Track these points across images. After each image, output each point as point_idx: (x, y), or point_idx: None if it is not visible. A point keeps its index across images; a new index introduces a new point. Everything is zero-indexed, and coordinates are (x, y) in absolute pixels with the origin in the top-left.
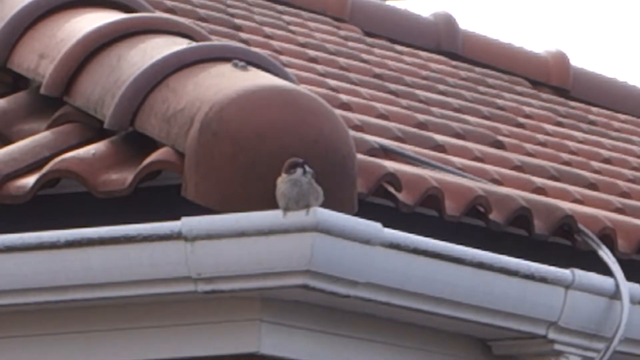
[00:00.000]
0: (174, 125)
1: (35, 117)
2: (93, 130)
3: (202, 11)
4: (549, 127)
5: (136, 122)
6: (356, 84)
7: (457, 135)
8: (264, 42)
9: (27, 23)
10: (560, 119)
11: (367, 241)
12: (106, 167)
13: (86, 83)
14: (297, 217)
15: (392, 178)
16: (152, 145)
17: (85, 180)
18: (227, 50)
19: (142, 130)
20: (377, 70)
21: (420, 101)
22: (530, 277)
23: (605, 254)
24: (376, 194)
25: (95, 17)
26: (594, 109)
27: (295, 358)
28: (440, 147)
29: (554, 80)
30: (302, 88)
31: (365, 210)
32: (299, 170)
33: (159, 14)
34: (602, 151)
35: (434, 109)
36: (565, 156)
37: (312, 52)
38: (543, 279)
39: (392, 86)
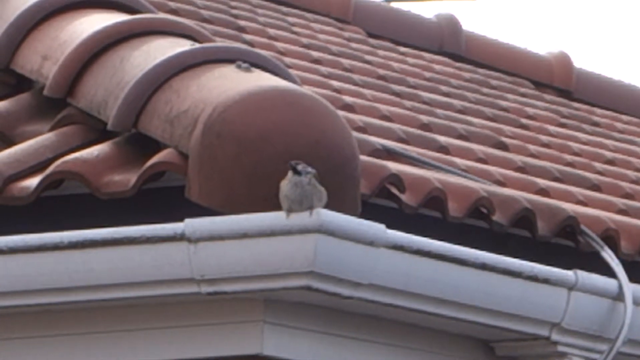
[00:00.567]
0: (177, 127)
1: (39, 119)
2: (96, 131)
3: (205, 12)
4: (552, 128)
5: (139, 124)
6: (359, 85)
7: (461, 137)
8: (267, 43)
9: (30, 25)
10: (563, 120)
11: (370, 242)
12: (109, 168)
13: (89, 84)
14: (300, 218)
15: (396, 179)
16: (155, 146)
17: (88, 181)
18: (231, 52)
19: (145, 132)
20: (381, 71)
21: (424, 102)
22: (533, 278)
23: (609, 256)
24: (379, 195)
25: (99, 18)
26: (597, 110)
27: (298, 359)
28: (443, 149)
29: (557, 81)
30: (306, 89)
31: (368, 211)
32: (302, 172)
33: (162, 15)
34: (606, 152)
35: (438, 110)
36: (568, 157)
37: (315, 54)
38: (546, 280)
39: (396, 87)
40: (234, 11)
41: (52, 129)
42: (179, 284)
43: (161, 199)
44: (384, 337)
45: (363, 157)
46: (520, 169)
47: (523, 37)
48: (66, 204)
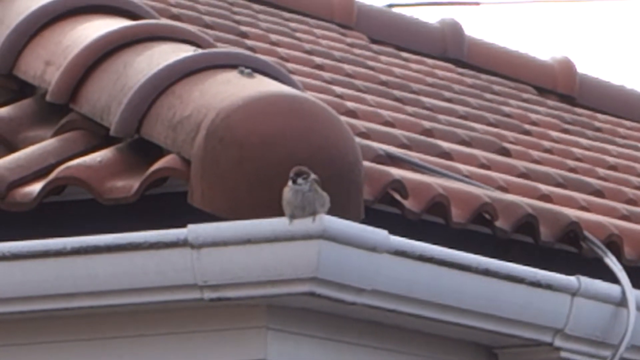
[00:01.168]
0: (180, 132)
1: (41, 125)
2: (99, 137)
3: (208, 18)
4: (555, 134)
5: (142, 129)
6: (362, 91)
7: (463, 143)
8: (270, 49)
9: (33, 30)
10: (566, 126)
11: (373, 248)
12: (112, 174)
13: (92, 90)
14: (303, 224)
15: (398, 185)
16: (158, 152)
17: (91, 187)
18: (233, 57)
19: (148, 138)
20: (383, 77)
21: (426, 108)
22: (536, 284)
23: (612, 261)
24: (382, 201)
25: (102, 24)
26: (600, 116)
27: None
28: (446, 154)
29: (560, 87)
30: (308, 95)
31: (371, 217)
32: (297, 179)
33: (165, 21)
34: (608, 158)
35: (440, 116)
36: (571, 163)
37: (318, 59)
38: (549, 286)
39: (398, 93)
40: (237, 17)
41: (55, 135)
42: (182, 290)
43: (164, 205)
44: (387, 343)
45: (366, 163)
46: (523, 175)
47: (526, 43)
48: (69, 210)
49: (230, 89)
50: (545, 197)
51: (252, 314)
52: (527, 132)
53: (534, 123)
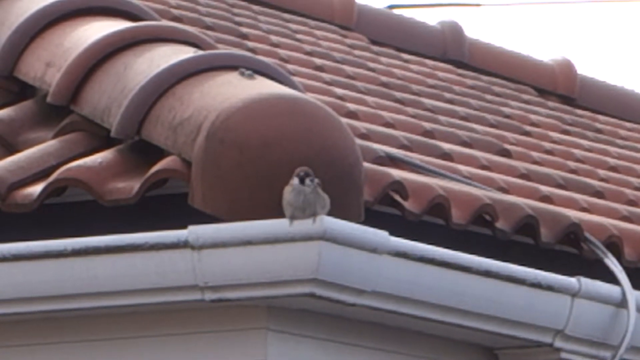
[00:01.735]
0: (180, 134)
1: (42, 126)
2: (100, 138)
3: (208, 20)
4: (556, 135)
5: (143, 131)
6: (363, 93)
7: (464, 144)
8: (270, 50)
9: (33, 32)
10: (566, 127)
11: (373, 249)
12: (113, 175)
13: (93, 92)
14: (303, 225)
15: (399, 186)
16: (158, 153)
17: (91, 188)
18: (234, 59)
19: (148, 139)
20: (384, 78)
21: (427, 109)
22: (536, 285)
23: (612, 262)
24: (383, 202)
25: (102, 25)
26: (601, 117)
27: None
28: (446, 156)
29: (561, 88)
30: (309, 96)
31: (371, 218)
32: (306, 179)
33: (165, 22)
34: (609, 159)
35: (441, 117)
36: (571, 164)
37: (318, 61)
38: (549, 287)
39: (399, 94)
40: (237, 18)
41: (55, 136)
42: (183, 291)
43: (164, 206)
44: (387, 344)
45: (366, 164)
46: (524, 176)
47: (526, 44)
48: (69, 211)
49: (231, 90)
50: (546, 198)
51: (252, 315)
52: (527, 133)
53: (534, 124)
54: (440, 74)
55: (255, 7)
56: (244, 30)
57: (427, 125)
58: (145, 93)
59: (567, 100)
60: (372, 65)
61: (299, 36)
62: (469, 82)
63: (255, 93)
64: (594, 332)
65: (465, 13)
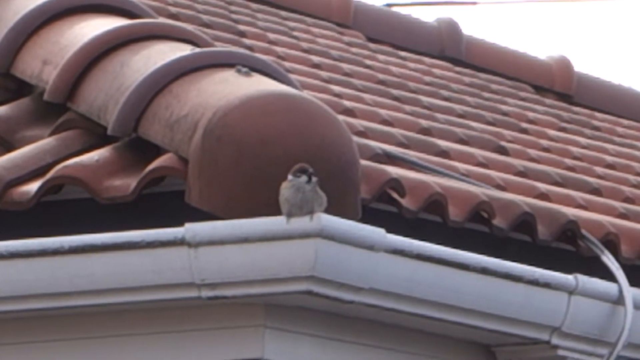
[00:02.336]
0: (177, 131)
1: (39, 124)
2: (96, 136)
3: (205, 17)
4: (553, 132)
5: (139, 128)
6: (360, 90)
7: (461, 141)
8: (267, 48)
9: (30, 29)
10: (563, 124)
11: (370, 247)
12: (109, 173)
13: (89, 89)
14: (300, 223)
15: (396, 184)
16: (155, 151)
17: (88, 186)
18: (231, 56)
19: (145, 137)
20: (381, 76)
21: (424, 107)
22: (534, 282)
23: (609, 260)
24: (380, 199)
25: (99, 23)
26: (598, 115)
27: None
28: (444, 153)
29: (558, 85)
30: (306, 94)
31: (368, 216)
32: (303, 177)
33: (162, 20)
34: (606, 157)
35: (438, 115)
36: (568, 162)
37: (315, 58)
38: (547, 285)
39: (396, 92)
40: (234, 16)
41: (52, 134)
42: (180, 289)
43: (161, 204)
44: (384, 341)
45: (363, 162)
46: (521, 173)
47: (523, 42)
48: (66, 209)
49: (228, 87)
50: (543, 196)
51: (249, 313)
52: (524, 131)
53: (531, 122)
54: (438, 71)
55: (253, 5)
56: (241, 27)
57: (424, 122)
58: (142, 90)
59: (565, 97)
60: (369, 62)
61: (296, 34)
62: (466, 79)
63: (252, 90)
64: (591, 329)
65: (462, 11)
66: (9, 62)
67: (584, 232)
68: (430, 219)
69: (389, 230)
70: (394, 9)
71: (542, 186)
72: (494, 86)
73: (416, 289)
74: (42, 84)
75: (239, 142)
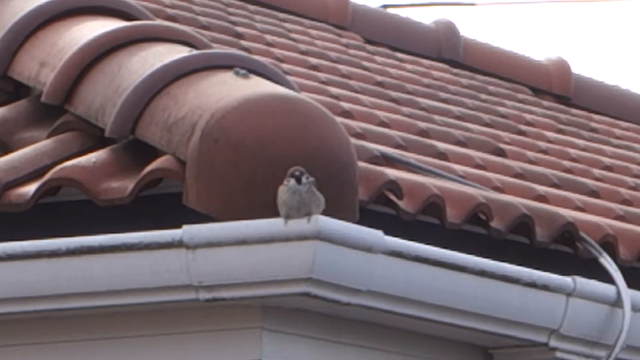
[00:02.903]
0: (175, 133)
1: (36, 126)
2: (94, 138)
3: (203, 19)
4: (551, 134)
5: (137, 130)
6: (357, 92)
7: (459, 143)
8: (265, 49)
9: (28, 31)
10: (561, 126)
11: (368, 249)
12: (107, 175)
13: (87, 91)
14: (298, 225)
15: (394, 186)
16: (153, 153)
17: (86, 188)
18: (229, 58)
19: (143, 139)
20: (379, 78)
21: (422, 109)
22: (531, 284)
23: (607, 262)
24: (377, 201)
25: (96, 25)
26: (596, 117)
27: None
28: (441, 155)
29: (556, 87)
30: (304, 96)
31: (366, 218)
32: (301, 179)
33: (160, 21)
34: (604, 159)
35: (436, 117)
36: (566, 164)
37: (313, 60)
38: (545, 287)
39: (394, 94)
40: (232, 18)
41: (49, 136)
42: (177, 291)
43: (159, 206)
44: (382, 343)
45: (361, 164)
46: (519, 175)
47: (521, 44)
48: (64, 211)
49: (226, 89)
50: (541, 198)
51: (247, 315)
52: (522, 133)
53: (529, 123)
54: (435, 73)
55: (251, 7)
56: (239, 29)
57: (422, 124)
58: (140, 92)
59: (562, 99)
60: (367, 64)
61: (294, 35)
62: (464, 81)
63: (250, 92)
64: (589, 331)
65: (460, 12)
66: (7, 64)
67: (582, 234)
68: (428, 221)
69: (386, 232)
70: (391, 10)
71: (540, 188)
72: (491, 88)
73: (414, 291)
74: (40, 85)
75: (237, 144)
